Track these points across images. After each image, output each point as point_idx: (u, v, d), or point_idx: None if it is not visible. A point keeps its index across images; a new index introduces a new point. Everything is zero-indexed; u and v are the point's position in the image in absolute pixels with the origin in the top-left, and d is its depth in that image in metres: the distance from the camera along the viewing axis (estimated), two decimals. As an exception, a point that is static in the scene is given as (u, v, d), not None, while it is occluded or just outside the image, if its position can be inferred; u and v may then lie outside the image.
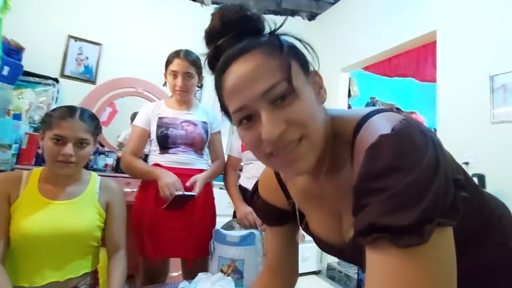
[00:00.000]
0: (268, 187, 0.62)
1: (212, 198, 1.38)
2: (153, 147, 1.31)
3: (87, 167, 2.08)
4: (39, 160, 1.85)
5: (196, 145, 1.30)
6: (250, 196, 0.67)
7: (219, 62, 0.42)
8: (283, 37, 0.44)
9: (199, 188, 1.21)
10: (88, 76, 2.43)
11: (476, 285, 0.50)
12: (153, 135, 1.28)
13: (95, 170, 2.09)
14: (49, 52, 2.30)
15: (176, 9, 2.82)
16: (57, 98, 2.24)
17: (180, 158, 1.26)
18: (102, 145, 2.30)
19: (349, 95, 3.15)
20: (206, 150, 1.38)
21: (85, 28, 2.42)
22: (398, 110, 4.02)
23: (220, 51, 0.42)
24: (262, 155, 0.42)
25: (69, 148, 0.88)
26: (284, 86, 0.38)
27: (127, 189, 1.80)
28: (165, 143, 1.26)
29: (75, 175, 0.97)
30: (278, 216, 0.62)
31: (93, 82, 2.44)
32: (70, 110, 0.92)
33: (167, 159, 1.25)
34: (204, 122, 1.34)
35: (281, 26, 0.45)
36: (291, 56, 0.41)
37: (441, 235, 0.31)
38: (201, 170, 1.30)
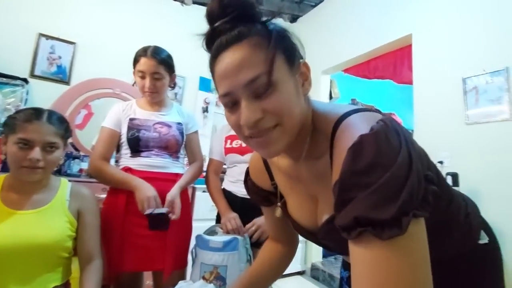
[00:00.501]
0: (256, 169, 0.68)
1: (189, 204, 1.29)
2: (123, 150, 1.20)
3: (60, 172, 1.97)
4: (6, 167, 1.72)
5: (170, 148, 1.21)
6: (244, 179, 0.74)
7: (214, 45, 0.45)
8: (274, 28, 0.46)
9: (179, 208, 1.11)
10: (61, 76, 2.31)
11: (438, 277, 0.52)
12: (124, 138, 1.18)
13: (68, 175, 1.98)
14: (17, 51, 2.16)
15: (155, 8, 2.74)
16: (26, 100, 2.10)
17: (153, 161, 1.17)
18: (77, 149, 2.19)
19: (331, 97, 3.20)
20: (183, 152, 1.30)
21: (57, 26, 2.30)
22: (378, 111, 4.15)
23: (215, 34, 0.45)
24: (242, 136, 0.47)
25: (36, 153, 0.82)
26: (264, 79, 0.42)
27: (104, 196, 1.72)
28: (137, 146, 1.16)
29: (42, 182, 0.90)
30: (265, 197, 0.68)
31: (67, 83, 2.32)
32: (36, 112, 0.86)
33: (139, 163, 1.15)
34: (179, 123, 1.26)
35: (274, 16, 0.47)
36: (278, 49, 0.44)
37: (416, 225, 0.34)
38: (176, 174, 1.21)
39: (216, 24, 0.45)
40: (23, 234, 0.82)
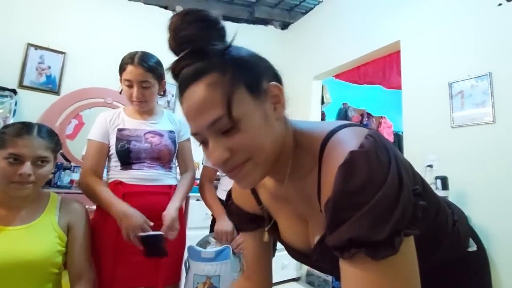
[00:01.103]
0: (240, 192, 0.65)
1: (182, 215, 1.22)
2: (113, 163, 1.13)
3: (50, 184, 1.94)
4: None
5: (163, 159, 1.15)
6: (225, 201, 0.70)
7: (179, 79, 0.45)
8: (233, 57, 0.44)
9: (177, 231, 1.06)
10: (50, 86, 2.29)
11: (428, 286, 0.53)
12: (113, 150, 1.11)
13: (59, 187, 1.95)
14: (5, 62, 2.13)
15: (146, 16, 2.75)
16: (15, 111, 2.08)
17: (146, 174, 1.11)
18: (68, 160, 2.16)
19: (323, 102, 3.24)
20: (175, 161, 1.25)
21: (47, 36, 2.28)
22: (369, 115, 4.20)
23: (177, 69, 0.44)
24: (221, 171, 0.47)
25: (27, 168, 0.81)
26: (225, 121, 0.41)
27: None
28: (127, 159, 1.10)
29: (31, 196, 0.89)
30: (250, 222, 0.65)
31: (57, 93, 2.29)
32: (26, 127, 0.85)
33: (130, 176, 1.09)
34: (171, 131, 1.20)
35: (231, 43, 0.45)
36: (237, 82, 0.42)
37: (407, 243, 0.35)
38: (170, 186, 1.16)
39: (176, 60, 0.44)
40: (12, 251, 0.80)
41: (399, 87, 2.23)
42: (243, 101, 0.42)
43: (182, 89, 0.43)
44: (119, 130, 1.13)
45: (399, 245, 0.33)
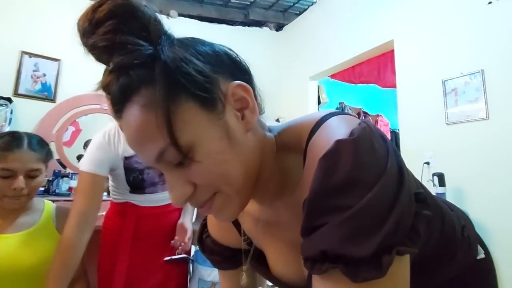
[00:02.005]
0: (217, 223, 0.52)
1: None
2: (118, 186, 1.03)
3: (48, 192, 1.93)
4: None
5: None
6: (198, 234, 0.56)
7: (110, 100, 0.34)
8: (166, 63, 0.31)
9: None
10: (46, 94, 2.28)
11: None
12: (120, 178, 1.00)
13: (58, 194, 1.94)
14: (0, 70, 2.12)
15: (140, 22, 2.75)
16: (10, 119, 2.07)
17: (160, 196, 1.04)
18: (64, 167, 2.15)
19: (319, 102, 3.26)
20: None
21: (41, 43, 2.28)
22: (365, 113, 4.23)
23: (104, 88, 0.34)
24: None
25: (20, 182, 0.81)
26: (172, 152, 0.30)
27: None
28: (141, 187, 1.01)
29: (26, 206, 0.89)
30: (229, 259, 0.52)
31: (53, 100, 2.29)
32: (16, 140, 0.83)
33: (143, 199, 1.02)
34: None
35: (161, 40, 0.32)
36: (178, 93, 0.30)
37: (400, 263, 0.26)
38: None
39: (104, 73, 0.33)
40: (8, 257, 0.81)
41: (394, 86, 2.25)
42: (190, 120, 0.31)
43: (116, 114, 0.33)
44: (126, 158, 0.97)
45: (387, 266, 0.24)
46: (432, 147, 1.85)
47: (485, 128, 1.62)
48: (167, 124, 0.29)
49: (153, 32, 0.32)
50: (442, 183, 1.64)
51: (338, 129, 0.31)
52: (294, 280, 0.44)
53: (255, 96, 0.36)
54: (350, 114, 0.37)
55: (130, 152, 0.96)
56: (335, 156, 0.28)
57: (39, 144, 0.88)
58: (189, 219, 1.08)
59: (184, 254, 1.05)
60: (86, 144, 1.93)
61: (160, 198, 1.04)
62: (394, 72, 2.23)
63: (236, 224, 0.49)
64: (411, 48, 2.07)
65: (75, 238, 0.86)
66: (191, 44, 0.34)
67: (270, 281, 0.49)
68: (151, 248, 1.03)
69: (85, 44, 0.33)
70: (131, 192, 1.01)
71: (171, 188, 0.33)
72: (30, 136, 0.87)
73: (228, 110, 0.33)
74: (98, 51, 0.32)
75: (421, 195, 0.30)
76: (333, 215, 0.26)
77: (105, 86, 0.33)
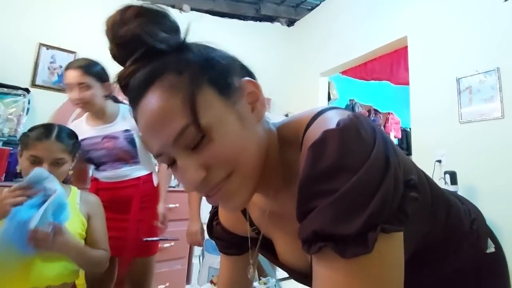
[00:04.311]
0: (228, 213, 0.55)
1: (156, 195, 1.34)
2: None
3: (65, 181, 1.99)
4: (10, 176, 1.75)
5: (123, 159, 1.25)
6: (208, 221, 0.59)
7: (128, 90, 0.37)
8: (193, 53, 0.36)
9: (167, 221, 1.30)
10: (62, 85, 2.34)
11: None
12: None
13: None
14: (19, 62, 2.19)
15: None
16: (28, 109, 2.13)
17: (112, 174, 1.26)
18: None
19: (329, 98, 3.24)
20: (143, 152, 1.29)
21: (57, 36, 2.33)
22: (376, 111, 4.19)
23: (127, 76, 0.36)
24: (201, 194, 0.40)
25: (45, 168, 0.88)
26: (193, 131, 0.33)
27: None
28: (94, 164, 1.27)
29: None
30: (237, 244, 0.55)
31: (68, 92, 2.34)
32: (46, 131, 0.92)
33: (101, 176, 1.27)
34: (126, 130, 1.24)
35: (186, 36, 0.37)
36: (201, 82, 0.34)
37: (387, 241, 0.28)
38: (138, 178, 1.27)
39: (126, 65, 0.36)
40: None
41: (407, 83, 2.23)
42: (211, 104, 0.34)
43: (134, 102, 0.36)
44: (82, 140, 1.15)
45: (373, 242, 0.27)
46: (444, 145, 1.83)
47: (500, 127, 1.59)
48: (191, 104, 0.33)
49: (178, 30, 0.37)
50: (454, 181, 1.62)
51: (328, 121, 0.34)
52: (301, 266, 0.47)
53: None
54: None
55: (83, 135, 1.19)
56: (322, 144, 0.30)
57: (67, 136, 0.96)
58: (162, 206, 1.31)
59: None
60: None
61: (111, 175, 1.26)
62: (407, 69, 2.21)
63: (245, 213, 0.52)
64: (425, 45, 2.03)
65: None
66: (207, 45, 0.39)
67: (279, 267, 0.51)
68: (110, 215, 1.15)
69: (114, 35, 0.35)
70: (95, 169, 1.30)
71: (184, 173, 0.35)
72: (60, 128, 0.96)
73: (242, 101, 0.37)
74: (127, 40, 0.35)
75: (411, 181, 0.32)
76: (322, 199, 0.29)
77: (125, 76, 0.36)
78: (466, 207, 0.54)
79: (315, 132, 0.33)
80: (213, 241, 1.15)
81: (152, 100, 0.33)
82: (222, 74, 0.36)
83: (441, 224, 0.45)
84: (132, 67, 0.35)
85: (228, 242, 0.56)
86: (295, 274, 0.48)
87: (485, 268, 0.53)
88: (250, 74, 0.41)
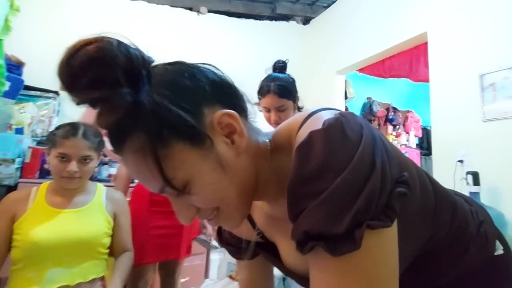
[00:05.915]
0: None
1: None
2: None
3: (91, 178, 2.11)
4: (43, 173, 1.87)
5: None
6: (218, 228, 0.61)
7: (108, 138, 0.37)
8: (150, 96, 0.32)
9: None
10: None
11: None
12: None
13: (99, 180, 2.11)
14: (49, 66, 2.26)
15: (170, 18, 2.86)
16: (58, 111, 2.27)
17: None
18: (105, 155, 2.33)
19: (346, 97, 3.21)
20: None
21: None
22: (395, 109, 4.08)
23: (99, 125, 0.34)
24: None
25: (73, 166, 0.93)
26: (170, 189, 0.34)
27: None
28: None
29: (81, 187, 1.02)
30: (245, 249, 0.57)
31: (94, 94, 2.47)
32: (73, 129, 0.96)
33: None
34: None
35: (144, 81, 0.32)
36: (166, 135, 0.32)
37: (375, 237, 0.29)
38: None
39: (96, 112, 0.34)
40: (67, 230, 0.94)
41: (427, 80, 2.17)
42: (182, 160, 0.33)
43: (116, 152, 0.35)
44: None
45: (360, 239, 0.28)
46: (466, 145, 1.77)
47: (526, 125, 1.53)
48: (158, 170, 0.32)
49: (131, 76, 0.31)
50: (476, 182, 1.57)
51: (317, 121, 0.33)
52: (304, 270, 0.46)
53: (242, 107, 0.39)
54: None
55: None
56: (308, 146, 0.31)
57: (93, 134, 0.99)
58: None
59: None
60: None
61: None
62: (427, 66, 2.15)
63: (251, 219, 0.53)
64: (446, 40, 1.97)
65: None
66: (171, 79, 0.35)
67: (282, 272, 0.52)
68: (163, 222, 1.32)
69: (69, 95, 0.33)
70: None
71: (178, 211, 0.38)
72: (86, 127, 0.99)
73: (217, 139, 0.35)
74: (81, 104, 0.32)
75: (403, 177, 0.32)
76: (311, 200, 0.30)
77: (99, 124, 0.34)
78: (474, 209, 0.53)
79: (303, 134, 0.33)
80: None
81: (128, 159, 0.34)
82: (188, 122, 0.33)
83: (446, 227, 0.45)
84: (100, 120, 0.33)
85: (237, 248, 0.56)
86: (298, 278, 0.49)
87: (493, 270, 0.52)
88: (225, 92, 0.38)
